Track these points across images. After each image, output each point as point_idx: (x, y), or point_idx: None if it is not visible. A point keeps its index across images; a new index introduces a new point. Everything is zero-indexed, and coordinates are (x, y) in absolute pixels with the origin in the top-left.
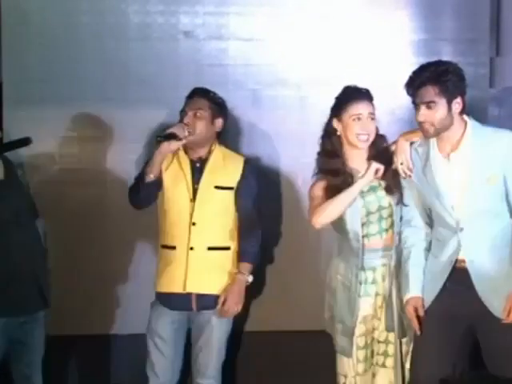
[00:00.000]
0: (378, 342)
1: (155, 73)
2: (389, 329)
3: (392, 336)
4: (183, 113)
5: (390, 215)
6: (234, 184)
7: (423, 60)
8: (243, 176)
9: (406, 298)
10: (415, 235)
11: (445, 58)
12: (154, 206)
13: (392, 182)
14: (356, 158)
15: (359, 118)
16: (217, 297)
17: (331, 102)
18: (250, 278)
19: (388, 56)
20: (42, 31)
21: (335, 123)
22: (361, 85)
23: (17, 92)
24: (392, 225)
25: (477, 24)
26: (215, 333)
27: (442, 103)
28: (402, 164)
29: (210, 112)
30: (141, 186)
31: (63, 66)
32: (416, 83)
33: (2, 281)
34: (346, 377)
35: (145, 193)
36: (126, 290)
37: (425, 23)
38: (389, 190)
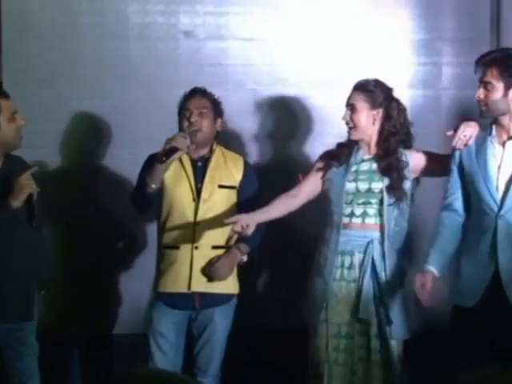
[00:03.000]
0: (359, 334)
1: (155, 73)
2: (363, 317)
3: (373, 330)
4: (187, 111)
5: (378, 203)
6: (236, 183)
7: (423, 60)
8: (245, 175)
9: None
10: (451, 219)
11: (445, 58)
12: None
13: (396, 182)
14: (368, 144)
15: (346, 106)
16: (219, 295)
17: (331, 101)
18: (245, 258)
19: (388, 56)
20: (41, 31)
21: None
22: None
23: (17, 92)
24: (378, 214)
25: (477, 24)
26: (217, 330)
27: (498, 87)
28: (464, 136)
29: (213, 112)
30: (142, 195)
31: (63, 66)
32: (482, 61)
33: None
34: (316, 365)
35: (147, 203)
36: (126, 290)
37: (425, 23)
38: (391, 188)
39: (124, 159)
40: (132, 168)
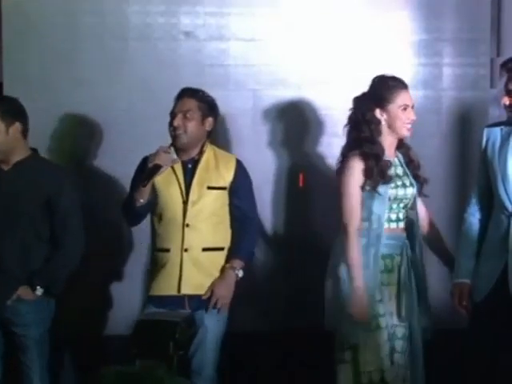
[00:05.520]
0: (397, 338)
1: (156, 73)
2: (402, 320)
3: (407, 332)
4: (173, 114)
5: (406, 206)
6: (226, 184)
7: (424, 60)
8: (236, 175)
9: (452, 282)
10: (473, 215)
11: (445, 59)
12: None
13: (418, 171)
14: (390, 146)
15: (405, 109)
16: (210, 298)
17: (331, 101)
18: (241, 273)
19: (388, 56)
20: (42, 31)
21: (378, 113)
22: (361, 85)
23: (17, 92)
24: (401, 217)
25: (477, 24)
26: (209, 333)
27: None
28: None
29: (200, 112)
30: (131, 211)
31: (63, 66)
32: (506, 67)
33: None
34: (369, 372)
35: (137, 216)
36: (118, 292)
37: (425, 24)
38: (417, 178)
39: (124, 160)
40: (132, 169)
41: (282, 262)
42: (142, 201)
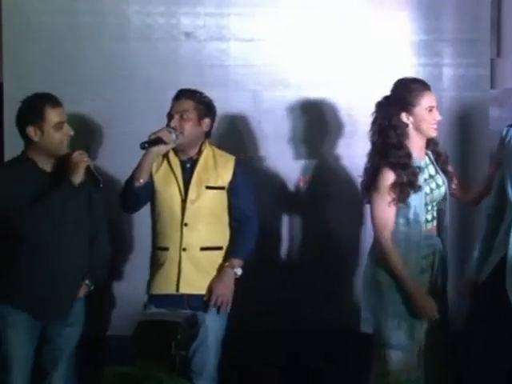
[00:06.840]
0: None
1: (156, 73)
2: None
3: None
4: (170, 116)
5: (439, 202)
6: (225, 184)
7: (424, 61)
8: (235, 175)
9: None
10: (486, 210)
11: (445, 59)
12: (147, 207)
13: (447, 166)
14: (419, 147)
15: (431, 110)
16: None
17: (332, 102)
18: (239, 272)
19: (389, 57)
20: (42, 32)
21: (404, 117)
22: (361, 85)
23: (17, 92)
24: (435, 215)
25: (477, 25)
26: (210, 333)
27: None
28: None
29: (196, 113)
30: (130, 191)
31: (63, 66)
32: None
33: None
34: (398, 372)
35: (134, 198)
36: (119, 292)
37: (425, 24)
38: (446, 172)
39: (124, 160)
40: (132, 168)
41: (279, 264)
42: (141, 181)
